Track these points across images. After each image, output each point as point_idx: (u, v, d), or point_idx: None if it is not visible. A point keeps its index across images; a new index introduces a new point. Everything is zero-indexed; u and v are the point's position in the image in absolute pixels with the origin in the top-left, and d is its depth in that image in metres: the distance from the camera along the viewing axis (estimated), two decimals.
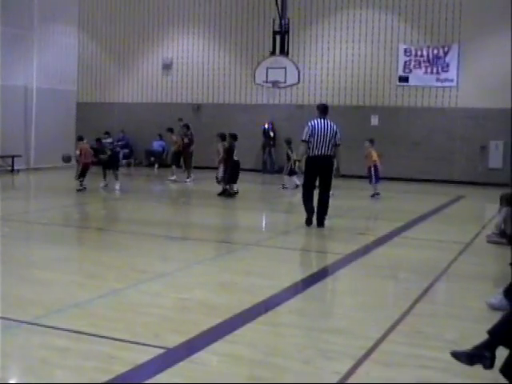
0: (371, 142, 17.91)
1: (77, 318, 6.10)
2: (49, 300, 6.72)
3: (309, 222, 12.23)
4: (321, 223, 12.22)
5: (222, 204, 15.98)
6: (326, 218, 12.28)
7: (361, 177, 22.35)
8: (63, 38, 26.22)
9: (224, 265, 8.93)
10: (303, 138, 12.10)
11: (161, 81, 27.45)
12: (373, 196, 17.52)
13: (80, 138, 18.48)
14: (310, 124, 12.14)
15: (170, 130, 21.86)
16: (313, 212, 12.24)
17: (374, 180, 17.56)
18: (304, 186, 12.57)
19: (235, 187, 17.10)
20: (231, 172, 16.97)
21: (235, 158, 17.06)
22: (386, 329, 5.96)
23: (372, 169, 17.56)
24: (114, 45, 28.28)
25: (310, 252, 10.83)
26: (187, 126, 21.02)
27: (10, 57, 23.26)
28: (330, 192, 12.59)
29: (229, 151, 17.05)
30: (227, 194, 16.81)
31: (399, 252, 10.25)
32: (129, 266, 8.55)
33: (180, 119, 23.20)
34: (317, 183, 12.46)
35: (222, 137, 17.44)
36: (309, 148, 12.04)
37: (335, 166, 12.39)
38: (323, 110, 12.35)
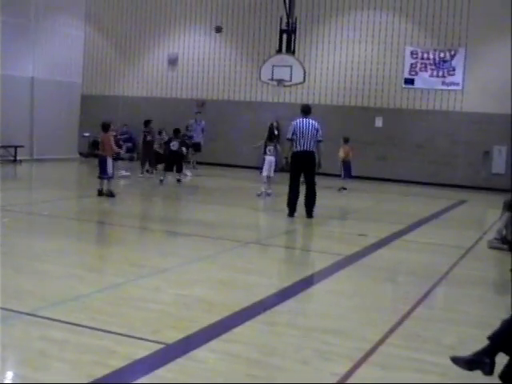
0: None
1: (76, 310, 6.10)
2: (48, 292, 6.72)
3: (290, 215, 13.26)
4: (310, 215, 13.23)
5: (223, 201, 15.96)
6: (314, 209, 13.28)
7: (363, 177, 22.39)
8: (69, 29, 26.17)
9: (224, 262, 8.92)
10: (288, 137, 13.40)
11: (166, 76, 27.43)
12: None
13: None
14: (293, 123, 13.34)
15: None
16: (293, 208, 13.27)
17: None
18: (290, 180, 13.49)
19: (182, 175, 19.07)
20: (168, 161, 18.60)
21: (172, 148, 18.62)
22: (384, 331, 5.95)
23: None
24: (120, 38, 28.27)
25: (309, 252, 10.82)
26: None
27: (16, 47, 23.24)
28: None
29: (166, 143, 19.07)
30: (107, 193, 14.72)
31: (399, 255, 10.24)
32: (129, 260, 8.54)
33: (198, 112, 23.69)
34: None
35: (105, 127, 15.34)
36: (293, 145, 13.19)
37: (317, 160, 13.33)
38: (305, 110, 13.57)
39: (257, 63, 24.35)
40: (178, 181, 18.74)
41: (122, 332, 5.53)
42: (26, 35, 23.88)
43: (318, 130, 13.18)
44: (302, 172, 13.38)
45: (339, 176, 19.24)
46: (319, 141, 13.24)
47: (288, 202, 13.35)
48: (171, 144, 18.80)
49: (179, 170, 18.89)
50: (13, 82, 23.07)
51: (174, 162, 18.69)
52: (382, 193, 19.76)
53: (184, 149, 19.33)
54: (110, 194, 14.66)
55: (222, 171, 22.41)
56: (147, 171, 20.24)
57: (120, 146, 18.44)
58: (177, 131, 19.23)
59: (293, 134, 13.15)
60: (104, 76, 28.64)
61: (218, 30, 24.15)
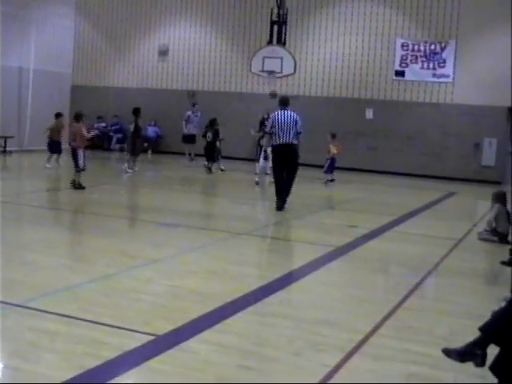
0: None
1: (67, 301, 6.07)
2: (39, 283, 6.69)
3: (278, 208, 12.96)
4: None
5: (215, 192, 15.96)
6: (288, 200, 13.15)
7: (353, 169, 22.43)
8: (59, 19, 25.93)
9: (216, 253, 8.91)
10: (266, 130, 13.51)
11: (156, 67, 27.32)
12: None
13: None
14: (271, 116, 13.25)
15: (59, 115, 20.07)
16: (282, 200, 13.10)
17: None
18: (273, 173, 13.67)
19: (222, 165, 20.13)
20: (207, 151, 19.65)
21: (208, 139, 19.68)
22: (376, 322, 5.96)
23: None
24: (110, 29, 28.09)
25: (301, 243, 10.79)
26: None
27: (5, 37, 23.02)
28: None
29: (204, 135, 20.02)
30: (77, 185, 14.19)
31: (390, 246, 10.25)
32: (120, 251, 8.52)
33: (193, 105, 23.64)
34: None
35: (78, 117, 14.82)
36: (273, 138, 13.08)
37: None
38: (283, 102, 13.31)
39: (248, 54, 24.27)
40: (222, 170, 19.99)
41: (114, 323, 5.51)
42: (16, 25, 23.67)
43: (297, 122, 12.89)
44: (284, 164, 13.11)
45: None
46: (299, 132, 12.97)
47: (276, 194, 13.22)
48: (207, 135, 19.87)
49: (217, 160, 20.00)
50: (2, 71, 22.89)
51: (211, 152, 19.76)
52: (373, 184, 19.77)
53: (218, 143, 20.24)
54: (79, 186, 14.06)
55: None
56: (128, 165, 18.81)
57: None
58: (212, 122, 19.97)
59: (271, 127, 12.95)
60: (94, 66, 28.47)
61: (273, 95, 21.41)
